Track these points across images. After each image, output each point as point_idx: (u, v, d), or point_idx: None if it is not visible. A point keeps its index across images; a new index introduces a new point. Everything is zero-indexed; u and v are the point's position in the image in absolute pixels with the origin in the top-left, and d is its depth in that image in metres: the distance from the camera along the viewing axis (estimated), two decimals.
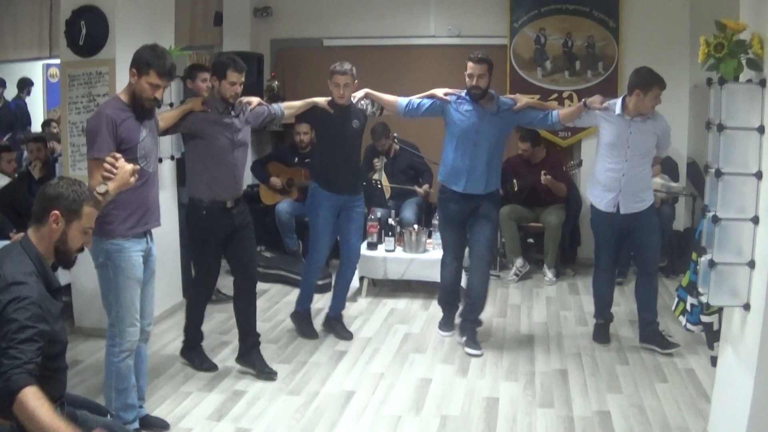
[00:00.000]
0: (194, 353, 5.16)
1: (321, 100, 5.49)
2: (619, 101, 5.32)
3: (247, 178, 8.51)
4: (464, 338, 5.62)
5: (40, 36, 10.08)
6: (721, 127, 3.36)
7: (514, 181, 7.53)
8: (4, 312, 2.63)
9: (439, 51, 8.43)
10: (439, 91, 5.55)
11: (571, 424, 4.31)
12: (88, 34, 5.53)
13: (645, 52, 8.04)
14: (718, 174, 3.39)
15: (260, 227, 7.87)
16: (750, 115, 3.35)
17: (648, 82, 5.17)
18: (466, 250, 5.79)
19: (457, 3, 8.64)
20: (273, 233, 7.84)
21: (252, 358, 5.05)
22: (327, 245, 5.76)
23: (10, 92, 10.38)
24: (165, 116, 4.62)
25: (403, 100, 5.61)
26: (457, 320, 5.84)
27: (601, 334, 5.72)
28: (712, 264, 3.43)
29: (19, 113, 10.66)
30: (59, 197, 2.91)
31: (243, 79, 4.80)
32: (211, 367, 5.11)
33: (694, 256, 4.46)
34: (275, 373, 5.01)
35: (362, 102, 5.59)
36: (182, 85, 6.17)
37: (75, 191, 2.94)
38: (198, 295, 5.13)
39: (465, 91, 5.47)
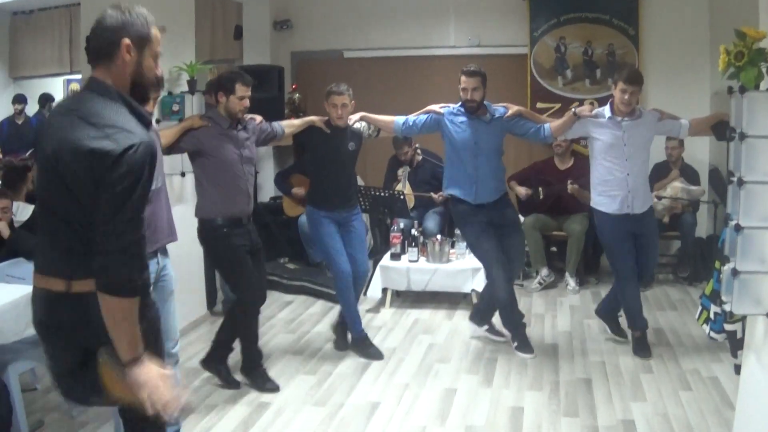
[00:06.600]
0: (256, 373, 5.06)
1: (318, 119, 5.46)
2: (607, 106, 5.37)
3: (271, 190, 8.59)
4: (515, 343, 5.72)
5: (60, 52, 10.16)
6: (743, 136, 3.36)
7: (540, 189, 7.53)
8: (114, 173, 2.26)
9: (460, 61, 8.33)
10: (435, 107, 5.57)
11: None
12: None
13: (665, 59, 8.08)
14: (741, 183, 3.38)
15: (283, 239, 7.97)
16: None
17: (617, 77, 5.32)
18: None
19: (477, 13, 8.67)
20: (296, 245, 7.88)
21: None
22: (343, 255, 5.53)
23: (32, 108, 10.45)
24: (164, 133, 4.57)
25: (399, 119, 5.61)
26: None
27: (641, 346, 5.52)
28: (735, 273, 3.41)
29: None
30: (126, 24, 2.42)
31: (250, 93, 4.80)
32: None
33: (717, 264, 4.44)
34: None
35: (358, 124, 5.56)
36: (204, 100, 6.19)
37: (139, 14, 2.46)
38: (247, 314, 4.95)
39: (459, 104, 5.49)
